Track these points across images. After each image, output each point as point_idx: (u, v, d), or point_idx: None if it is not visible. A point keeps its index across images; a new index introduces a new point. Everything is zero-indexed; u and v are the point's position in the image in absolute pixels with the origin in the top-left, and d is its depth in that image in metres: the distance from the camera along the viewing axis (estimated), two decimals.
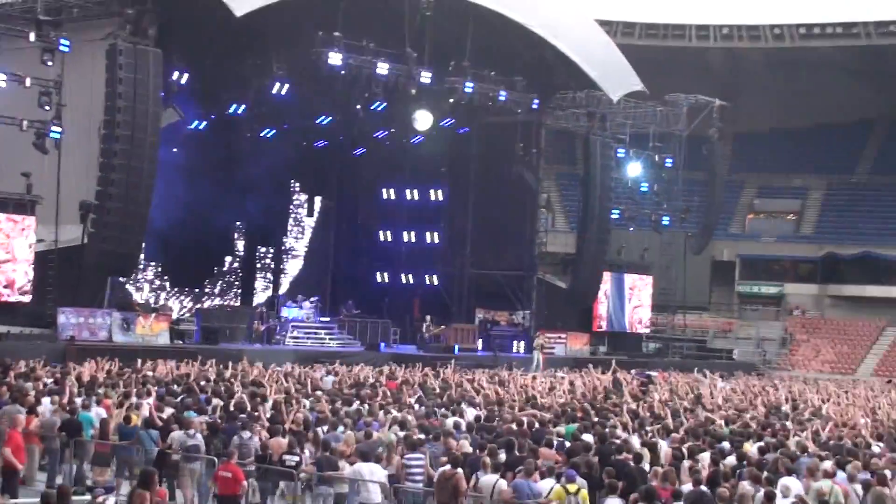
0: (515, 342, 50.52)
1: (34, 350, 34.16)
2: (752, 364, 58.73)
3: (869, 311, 67.50)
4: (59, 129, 37.01)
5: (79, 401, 22.67)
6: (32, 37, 36.08)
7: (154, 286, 49.42)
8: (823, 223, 72.92)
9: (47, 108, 36.84)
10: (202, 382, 27.69)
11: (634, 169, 55.01)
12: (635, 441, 20.81)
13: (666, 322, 59.45)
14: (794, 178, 74.88)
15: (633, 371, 43.44)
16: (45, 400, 22.87)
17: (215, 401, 23.82)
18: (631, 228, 56.90)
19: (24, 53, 36.62)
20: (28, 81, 36.43)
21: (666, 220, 56.65)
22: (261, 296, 54.18)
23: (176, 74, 41.72)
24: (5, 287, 36.95)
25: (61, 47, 36.43)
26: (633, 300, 55.97)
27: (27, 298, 37.50)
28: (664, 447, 20.51)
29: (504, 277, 52.66)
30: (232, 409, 22.51)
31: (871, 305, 67.55)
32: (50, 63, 36.44)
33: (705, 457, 19.07)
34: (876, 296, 67.56)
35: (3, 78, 36.03)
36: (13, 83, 36.23)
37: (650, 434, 22.06)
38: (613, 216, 53.65)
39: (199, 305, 50.35)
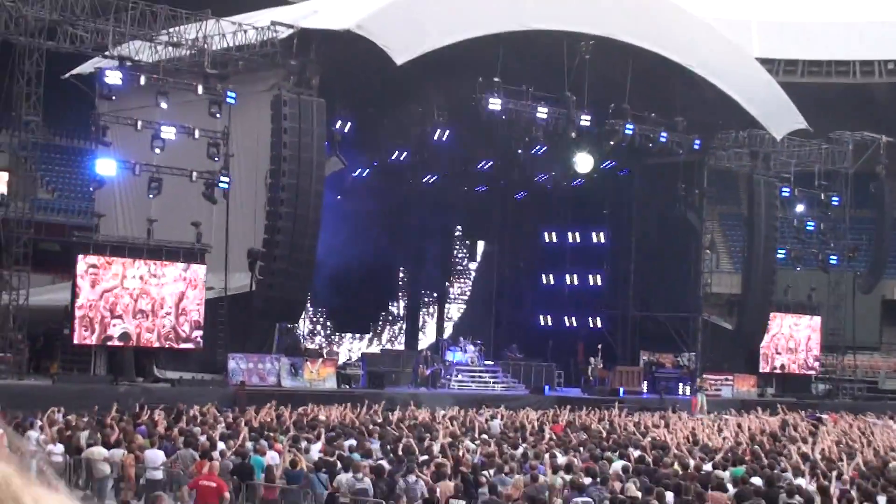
0: (681, 384, 49.98)
1: (206, 395, 34.87)
2: None
3: None
4: (227, 179, 37.91)
5: (250, 445, 23.07)
6: (200, 90, 37.11)
7: (321, 331, 50.09)
8: None
9: (216, 158, 37.80)
10: (369, 426, 27.97)
11: (800, 208, 54.19)
12: (805, 484, 20.42)
13: (835, 363, 58.16)
14: None
15: (803, 412, 42.67)
16: (218, 444, 23.31)
17: (382, 444, 24.03)
18: (798, 268, 55.91)
19: (193, 106, 37.65)
20: (197, 133, 37.48)
21: (833, 260, 55.66)
22: (425, 340, 54.56)
23: (339, 123, 42.53)
24: (179, 334, 37.81)
25: (228, 99, 37.37)
26: (801, 341, 55.03)
27: (199, 345, 38.31)
28: (836, 490, 20.09)
29: (668, 319, 52.25)
30: (399, 452, 22.69)
31: None
32: (218, 115, 37.38)
33: (881, 500, 18.63)
34: None
35: (174, 131, 37.03)
36: (183, 135, 37.23)
37: (821, 476, 21.64)
38: (779, 256, 52.88)
39: (365, 350, 50.85)
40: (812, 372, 56.41)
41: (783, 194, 52.91)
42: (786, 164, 53.19)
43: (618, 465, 22.07)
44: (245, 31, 38.43)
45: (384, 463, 21.55)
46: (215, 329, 38.93)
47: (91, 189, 43.96)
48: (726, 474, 21.69)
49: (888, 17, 71.55)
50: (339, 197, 45.74)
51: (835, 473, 21.70)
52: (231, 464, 21.69)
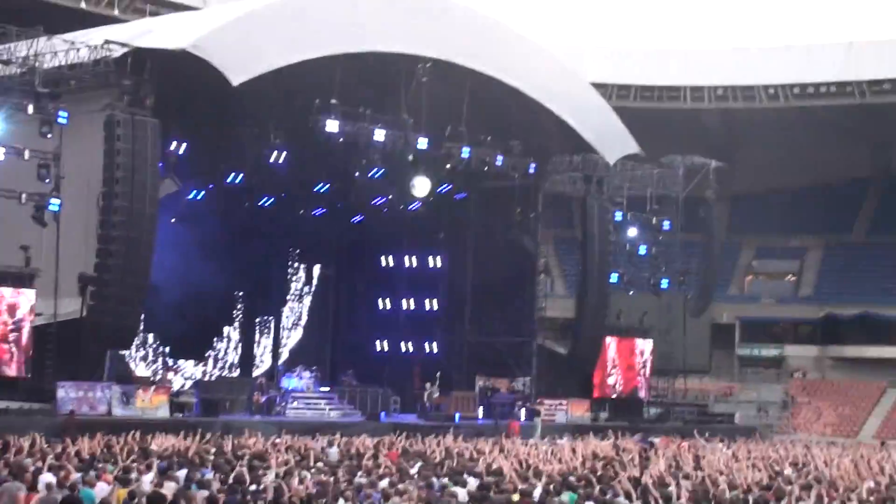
0: (516, 409, 50.12)
1: (33, 425, 33.74)
2: (754, 428, 58.28)
3: (870, 372, 67.26)
4: (57, 202, 36.94)
5: (78, 476, 22.37)
6: (31, 109, 36.11)
7: (153, 358, 49.12)
8: (822, 284, 72.78)
9: (46, 180, 36.79)
10: (203, 455, 27.38)
11: (632, 232, 54.90)
12: None
13: (667, 386, 59.00)
14: (792, 239, 74.77)
15: (635, 437, 43.13)
16: (45, 476, 22.56)
17: (215, 474, 23.50)
18: (630, 292, 56.63)
19: (23, 126, 36.61)
20: (27, 154, 36.44)
21: (665, 284, 56.45)
22: (260, 366, 53.91)
23: (174, 145, 41.87)
24: (4, 362, 36.73)
25: (59, 119, 36.45)
26: (632, 365, 55.76)
27: (26, 373, 37.24)
28: None
29: (504, 344, 52.47)
30: (231, 482, 22.21)
31: (872, 366, 67.36)
32: (49, 135, 36.46)
33: None
34: (876, 356, 67.38)
35: (2, 151, 36.01)
36: (11, 156, 36.20)
37: (654, 501, 21.77)
38: (612, 280, 53.48)
39: (198, 377, 50.02)
40: (644, 395, 57.11)
41: (616, 218, 53.58)
42: (619, 189, 53.91)
43: (458, 491, 21.94)
44: (78, 50, 37.55)
45: (217, 493, 21.07)
46: (43, 356, 37.85)
47: None
48: (561, 499, 21.72)
49: (717, 44, 73.33)
50: (172, 220, 44.94)
51: (665, 497, 21.88)
52: (59, 497, 20.99)
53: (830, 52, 69.04)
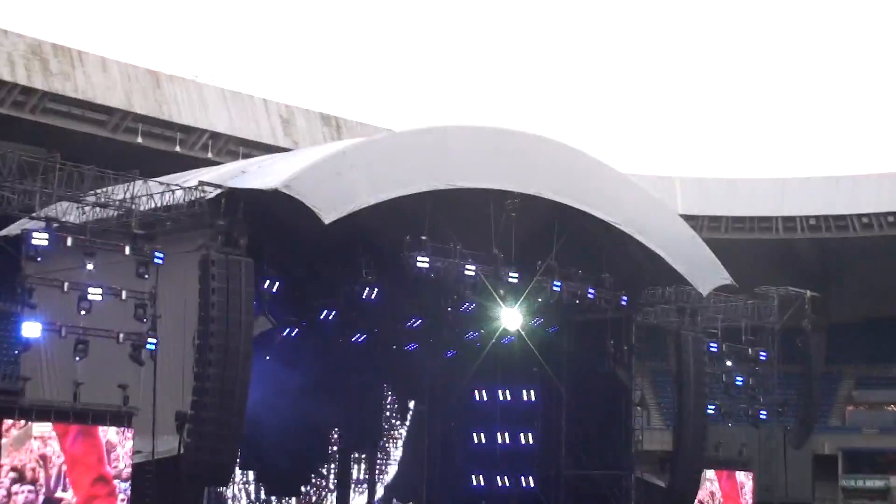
0: None
1: None
2: None
3: None
4: (154, 341, 37.38)
5: None
6: (128, 250, 36.83)
7: (251, 495, 49.25)
8: None
9: (143, 320, 37.32)
10: None
11: (728, 363, 54.43)
12: None
13: None
14: (893, 368, 73.78)
15: None
16: None
17: None
18: (729, 423, 55.99)
19: (120, 267, 37.37)
20: (124, 294, 37.02)
21: (763, 415, 55.77)
22: (356, 502, 53.81)
23: (267, 283, 42.36)
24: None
25: (156, 260, 37.10)
26: (734, 498, 54.91)
27: None
28: None
29: (602, 477, 51.97)
30: None
31: None
32: (146, 276, 37.11)
33: None
34: None
35: (100, 292, 36.63)
36: (109, 297, 36.84)
37: None
38: (709, 411, 52.93)
39: None
40: None
41: (711, 350, 53.15)
42: (712, 320, 53.56)
43: None
44: (173, 192, 38.45)
45: None
46: (142, 494, 38.06)
47: (16, 352, 43.34)
48: None
49: (809, 173, 73.31)
50: (267, 357, 45.40)
51: None
52: None
53: None
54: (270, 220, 39.63)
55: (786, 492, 58.20)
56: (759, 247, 69.08)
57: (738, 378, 54.90)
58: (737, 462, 55.74)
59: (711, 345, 53.08)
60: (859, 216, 68.93)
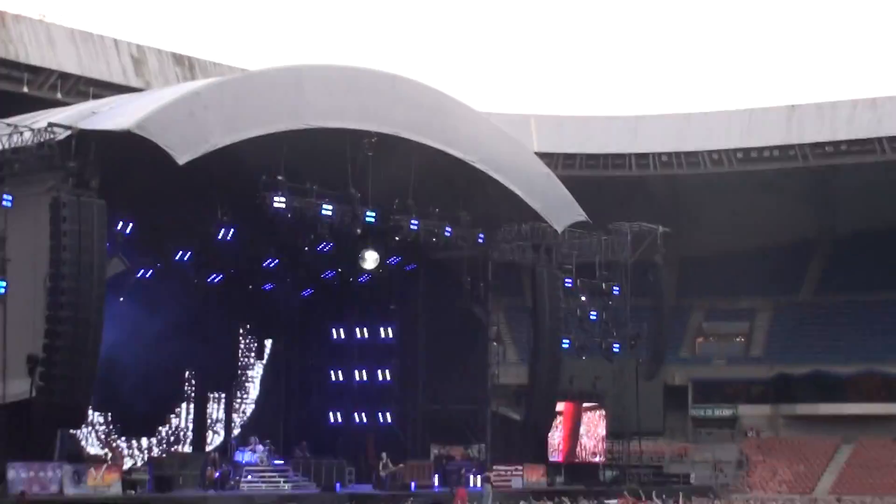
0: (472, 476, 50.16)
1: None
2: (710, 487, 58.62)
3: (823, 429, 67.95)
4: (3, 284, 36.95)
5: None
6: None
7: (105, 436, 48.88)
8: (772, 344, 73.64)
9: None
10: None
11: (582, 298, 55.29)
12: None
13: (622, 449, 59.27)
14: (741, 301, 75.71)
15: (593, 501, 43.36)
16: None
17: None
18: (583, 357, 57.05)
19: None
20: None
21: (616, 348, 56.90)
22: (213, 441, 53.73)
23: (120, 224, 41.91)
24: None
25: (4, 202, 36.57)
26: (587, 429, 56.05)
27: None
28: None
29: (458, 412, 52.62)
30: None
31: (825, 423, 68.14)
32: None
33: None
34: (829, 413, 68.11)
35: None
36: None
37: None
38: (564, 346, 53.84)
39: (151, 454, 49.81)
40: (599, 459, 57.35)
41: (566, 285, 54.03)
42: (567, 256, 54.42)
43: None
44: (21, 133, 37.74)
45: None
46: None
47: None
48: None
49: (661, 111, 74.33)
50: (121, 298, 44.95)
51: None
52: None
53: (773, 115, 70.20)
54: (123, 161, 39.09)
55: (638, 422, 59.36)
56: (613, 184, 70.04)
57: (592, 312, 55.93)
58: (590, 394, 56.81)
59: (566, 280, 53.99)
60: (710, 153, 70.17)
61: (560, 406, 54.28)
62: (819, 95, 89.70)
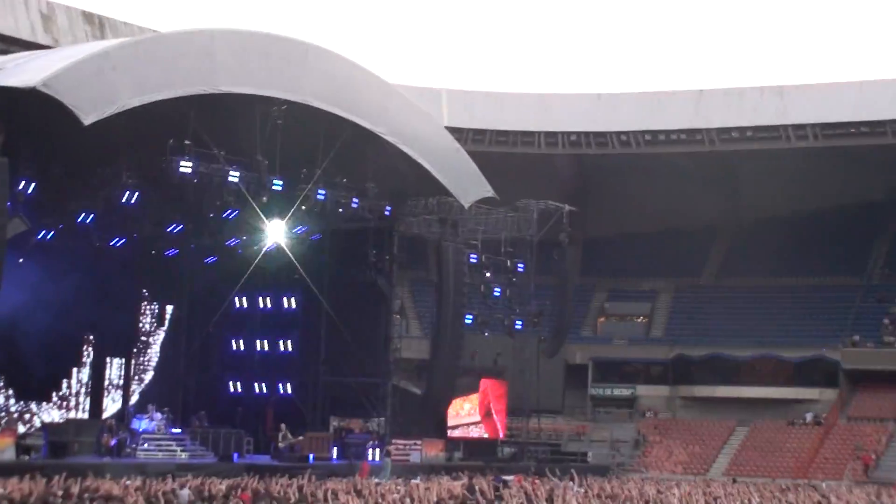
0: (371, 450, 50.11)
1: None
2: (607, 466, 59.11)
3: (719, 411, 68.69)
4: None
5: None
6: None
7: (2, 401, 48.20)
8: (673, 325, 74.27)
9: None
10: (49, 499, 26.91)
11: (487, 274, 55.40)
12: None
13: (521, 426, 59.58)
14: (644, 282, 76.34)
15: (490, 477, 43.38)
16: None
17: None
18: (485, 333, 57.22)
19: None
20: None
21: (519, 325, 57.15)
22: (110, 407, 53.14)
23: (23, 184, 41.13)
24: None
25: None
26: (487, 405, 56.28)
27: None
28: None
29: (359, 385, 52.43)
30: None
31: (722, 405, 68.82)
32: None
33: None
34: (726, 396, 68.90)
35: None
36: None
37: None
38: (467, 321, 53.93)
39: (46, 419, 49.13)
40: (498, 436, 57.58)
41: (471, 261, 54.13)
42: (474, 231, 54.55)
43: None
44: None
45: None
46: None
47: None
48: None
49: (571, 90, 74.62)
50: (21, 259, 44.17)
51: None
52: None
53: (681, 99, 70.72)
54: (28, 119, 38.46)
55: (538, 400, 59.71)
56: (522, 161, 70.14)
57: (496, 288, 56.14)
58: (491, 371, 57.00)
59: (471, 256, 54.07)
60: (618, 133, 70.54)
61: (462, 380, 54.41)
62: (727, 82, 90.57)
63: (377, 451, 49.76)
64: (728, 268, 76.19)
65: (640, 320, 75.65)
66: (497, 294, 56.54)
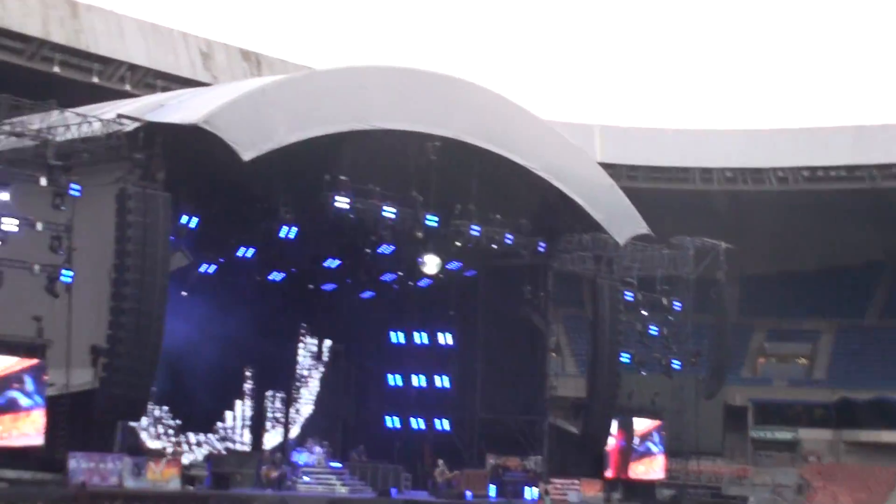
0: (528, 488, 50.08)
1: (45, 496, 34.01)
2: None
3: (885, 456, 67.08)
4: (70, 273, 37.27)
5: None
6: (44, 181, 36.56)
7: (164, 431, 49.20)
8: (836, 367, 72.93)
9: (59, 252, 37.19)
10: None
11: (643, 312, 54.98)
12: None
13: (679, 468, 58.84)
14: (805, 322, 75.06)
15: None
16: None
17: None
18: (642, 372, 56.72)
19: (36, 198, 37.09)
20: (39, 226, 36.78)
21: (676, 364, 56.49)
22: (271, 440, 53.95)
23: (185, 218, 42.34)
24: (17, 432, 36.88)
25: (72, 192, 36.92)
26: (644, 446, 55.70)
27: (38, 443, 37.35)
28: None
29: (515, 422, 52.42)
30: None
31: (888, 451, 67.16)
32: (62, 207, 36.92)
33: None
34: (891, 441, 67.17)
35: (16, 222, 36.35)
36: (25, 227, 36.58)
37: None
38: (623, 360, 53.57)
39: (209, 450, 50.10)
40: (657, 477, 56.91)
41: (626, 298, 53.70)
42: (629, 269, 54.15)
43: None
44: (90, 123, 38.19)
45: None
46: (56, 427, 38.05)
47: None
48: None
49: (727, 126, 74.11)
50: (183, 293, 45.29)
51: None
52: None
53: (840, 135, 69.90)
54: (189, 155, 39.47)
55: (696, 442, 58.95)
56: (676, 197, 69.77)
57: (653, 327, 55.50)
58: (649, 411, 56.44)
59: (627, 293, 53.63)
60: (775, 170, 69.82)
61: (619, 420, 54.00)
62: (886, 117, 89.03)
63: (533, 489, 49.71)
64: (892, 308, 74.57)
65: (801, 361, 74.41)
66: (654, 333, 55.91)
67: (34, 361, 36.97)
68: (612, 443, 53.71)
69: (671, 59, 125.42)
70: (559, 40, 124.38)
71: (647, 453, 55.89)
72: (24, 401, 36.99)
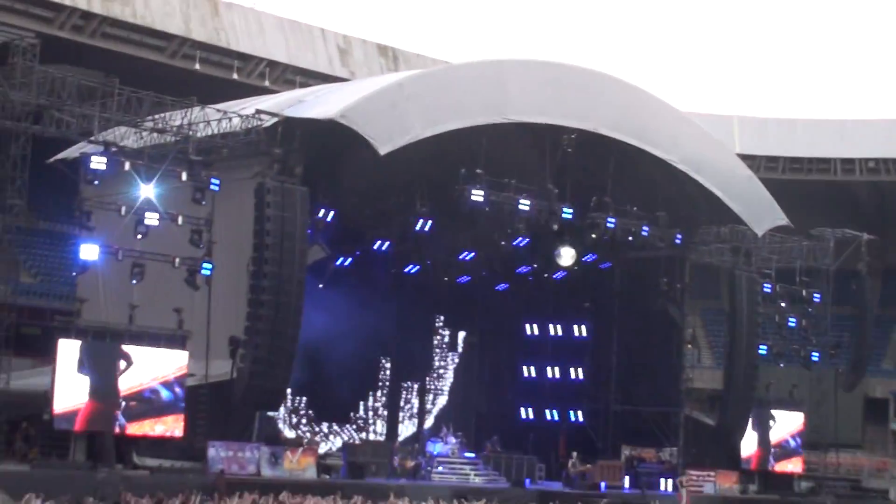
0: (663, 480, 49.79)
1: (185, 483, 34.66)
2: None
3: None
4: (209, 266, 38.07)
5: None
6: (185, 176, 37.35)
7: (301, 420, 49.79)
8: None
9: (199, 245, 37.94)
10: None
11: (781, 304, 54.25)
12: None
13: (818, 461, 57.97)
14: None
15: None
16: None
17: None
18: (780, 364, 55.95)
19: (177, 192, 37.84)
20: (180, 220, 37.59)
21: (815, 356, 55.65)
22: (406, 430, 54.34)
23: (322, 212, 42.80)
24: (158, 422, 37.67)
25: (212, 186, 37.66)
26: (783, 438, 55.01)
27: (179, 432, 38.11)
28: None
29: (650, 414, 52.10)
30: None
31: None
32: (202, 202, 37.64)
33: None
34: None
35: (157, 217, 37.13)
36: (166, 221, 37.33)
37: None
38: (761, 352, 52.89)
39: (345, 439, 50.61)
40: (795, 470, 56.18)
41: (765, 290, 53.00)
42: (767, 260, 53.43)
43: None
44: (230, 119, 38.81)
45: None
46: (196, 417, 38.81)
47: (74, 274, 43.91)
48: None
49: (869, 115, 72.56)
50: (320, 285, 45.77)
51: None
52: None
53: None
54: (326, 149, 39.93)
55: (836, 434, 58.09)
56: (817, 188, 68.62)
57: (791, 319, 54.78)
58: (787, 403, 55.70)
59: (765, 285, 52.94)
60: None
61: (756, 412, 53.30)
62: None
63: (668, 481, 49.40)
64: None
65: None
66: (792, 324, 55.15)
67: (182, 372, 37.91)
68: (752, 436, 53.11)
69: (810, 48, 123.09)
70: (698, 31, 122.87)
71: (787, 447, 55.12)
72: (164, 393, 37.82)
